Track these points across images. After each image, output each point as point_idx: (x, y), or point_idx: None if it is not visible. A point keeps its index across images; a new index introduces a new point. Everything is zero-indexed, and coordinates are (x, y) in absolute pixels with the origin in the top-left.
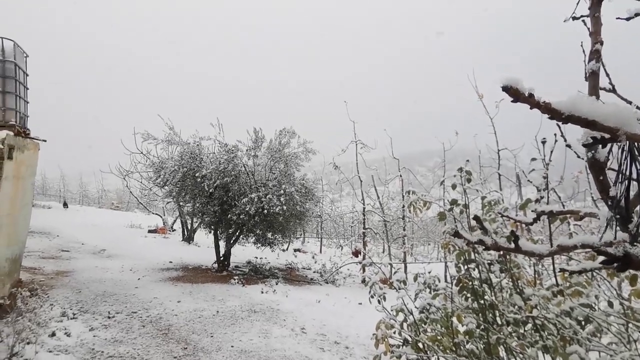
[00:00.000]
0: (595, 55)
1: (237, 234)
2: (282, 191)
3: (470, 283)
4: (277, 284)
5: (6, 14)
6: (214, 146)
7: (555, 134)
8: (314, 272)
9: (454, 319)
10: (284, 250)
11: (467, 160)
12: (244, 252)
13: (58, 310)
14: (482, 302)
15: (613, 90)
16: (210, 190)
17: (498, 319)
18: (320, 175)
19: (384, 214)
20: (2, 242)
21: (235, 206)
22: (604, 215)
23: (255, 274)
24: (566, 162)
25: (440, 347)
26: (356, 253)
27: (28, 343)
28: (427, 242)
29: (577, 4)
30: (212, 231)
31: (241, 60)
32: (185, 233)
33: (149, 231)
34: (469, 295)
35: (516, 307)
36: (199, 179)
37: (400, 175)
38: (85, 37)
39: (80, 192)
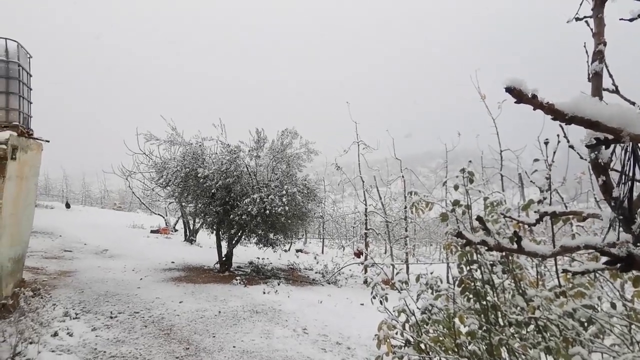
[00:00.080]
0: (599, 56)
1: (239, 234)
2: (284, 192)
3: (473, 284)
4: (279, 284)
5: (6, 14)
6: (217, 147)
7: (558, 135)
8: (316, 272)
9: (456, 320)
10: (286, 251)
11: (470, 161)
12: (246, 252)
13: (60, 310)
14: (484, 303)
15: (616, 91)
16: (213, 191)
17: (500, 320)
18: (322, 175)
19: (386, 215)
20: (5, 242)
21: (238, 207)
22: (607, 216)
23: (257, 274)
24: (569, 163)
25: (442, 348)
26: (358, 254)
27: (31, 343)
28: (430, 243)
29: (581, 4)
30: (214, 232)
31: (241, 60)
32: (188, 233)
33: (152, 231)
34: (471, 296)
35: (518, 308)
36: (201, 180)
37: (403, 176)
38: (85, 37)
39: (82, 193)
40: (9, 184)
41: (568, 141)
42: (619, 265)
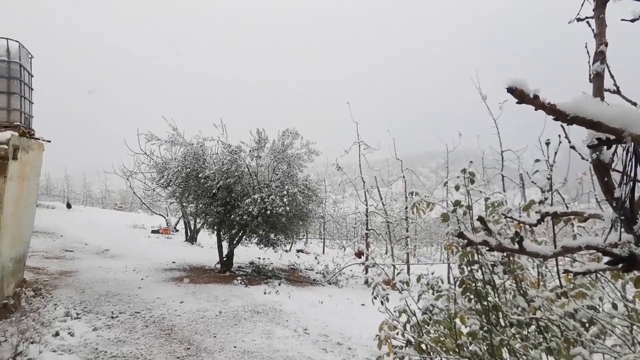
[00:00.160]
0: (600, 56)
1: (240, 234)
2: (285, 192)
3: (474, 284)
4: (279, 284)
5: (6, 14)
6: (217, 147)
7: (559, 136)
8: (317, 273)
9: (457, 321)
10: (286, 251)
11: (471, 162)
12: (247, 252)
13: (62, 310)
14: (485, 303)
15: (618, 91)
16: (214, 191)
17: (501, 320)
18: (323, 176)
19: (387, 215)
20: (6, 242)
21: (239, 207)
22: (609, 217)
23: (258, 274)
24: (570, 164)
25: (443, 349)
26: (359, 254)
27: (32, 342)
28: (430, 243)
29: (582, 5)
30: (215, 232)
31: (241, 60)
32: (189, 233)
33: (152, 231)
34: (472, 296)
35: (520, 308)
36: (202, 180)
37: (403, 177)
38: (85, 37)
39: (84, 193)
40: (10, 184)
41: (569, 142)
42: (620, 265)
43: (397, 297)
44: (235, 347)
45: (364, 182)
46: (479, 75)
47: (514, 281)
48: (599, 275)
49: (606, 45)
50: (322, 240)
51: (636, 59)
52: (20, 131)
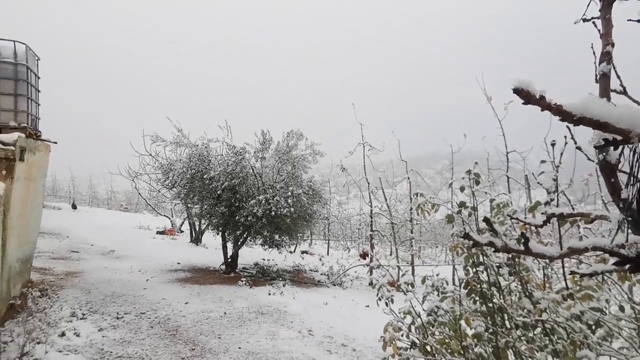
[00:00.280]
0: (606, 57)
1: (245, 235)
2: (289, 193)
3: (479, 286)
4: (284, 285)
5: (6, 14)
6: (222, 148)
7: (565, 136)
8: (321, 274)
9: (462, 322)
10: (291, 252)
11: (476, 163)
12: (252, 253)
13: (68, 310)
14: (490, 305)
15: (624, 92)
16: (218, 192)
17: (507, 322)
18: (327, 177)
19: (392, 217)
20: (13, 243)
21: (243, 208)
22: (616, 218)
23: (263, 275)
24: (576, 165)
25: (448, 350)
26: (363, 255)
27: (38, 343)
28: (435, 244)
29: (588, 5)
30: (220, 233)
31: (241, 60)
32: (193, 234)
33: (158, 232)
34: (477, 298)
35: (525, 310)
36: (207, 181)
37: (408, 178)
38: (85, 37)
39: (89, 194)
40: (17, 185)
41: (575, 142)
42: (628, 266)
43: (402, 299)
44: (239, 348)
45: (369, 183)
46: (480, 75)
47: (519, 283)
48: (605, 277)
49: (612, 45)
50: (327, 241)
51: (638, 59)
52: (27, 133)
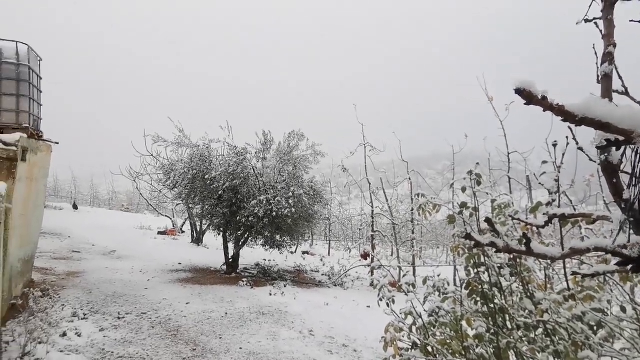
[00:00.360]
0: (608, 57)
1: (246, 236)
2: (290, 193)
3: (480, 286)
4: (285, 286)
5: (6, 14)
6: (224, 148)
7: (567, 137)
8: (322, 274)
9: (464, 323)
10: (292, 253)
11: (477, 163)
12: (253, 254)
13: (69, 310)
14: (492, 306)
15: (626, 92)
16: (220, 193)
17: (508, 323)
18: (328, 177)
19: (393, 217)
20: (15, 243)
21: (244, 208)
22: (617, 219)
23: (264, 276)
24: (578, 166)
25: (450, 351)
26: (365, 256)
27: (40, 343)
28: (436, 245)
29: (590, 6)
30: (221, 233)
31: (241, 60)
32: (195, 235)
33: (159, 233)
34: (478, 298)
35: (527, 311)
36: (208, 181)
37: (409, 178)
38: (85, 37)
39: (91, 194)
40: (19, 185)
41: (577, 143)
42: (630, 266)
43: (403, 299)
44: (241, 348)
45: (370, 183)
46: (480, 75)
47: (521, 283)
48: (607, 278)
49: (614, 46)
50: (328, 242)
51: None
52: (29, 133)
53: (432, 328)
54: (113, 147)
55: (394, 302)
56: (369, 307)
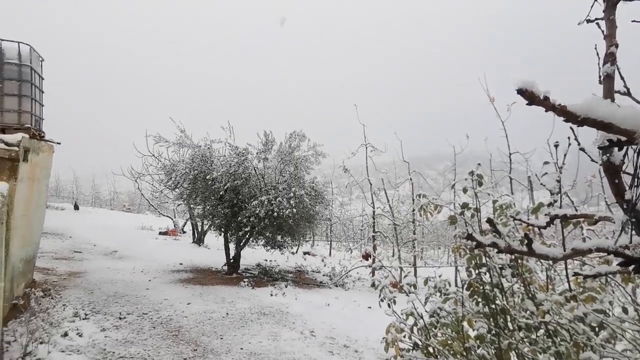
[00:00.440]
0: (610, 58)
1: (247, 236)
2: (292, 194)
3: (482, 287)
4: (286, 286)
5: (6, 14)
6: (225, 149)
7: (568, 138)
8: (324, 275)
9: (465, 324)
10: (293, 253)
11: (479, 164)
12: (254, 254)
13: (70, 310)
14: (493, 306)
15: (628, 93)
16: (221, 193)
17: (510, 324)
18: (329, 178)
19: (394, 218)
20: (16, 243)
21: (246, 209)
22: (619, 219)
23: (265, 276)
24: (579, 166)
25: (451, 352)
26: (366, 256)
27: (41, 343)
28: (438, 246)
29: (592, 6)
30: (222, 233)
31: (241, 60)
32: (196, 235)
33: (160, 233)
34: (479, 299)
35: (528, 312)
36: (209, 182)
37: (411, 179)
38: (85, 37)
39: (92, 194)
40: (20, 185)
41: (579, 144)
42: (632, 267)
43: (404, 300)
44: (242, 348)
45: (371, 184)
46: (480, 75)
47: (522, 284)
48: (608, 279)
49: (616, 46)
50: (329, 242)
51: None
52: (30, 133)
53: (433, 329)
54: (113, 147)
55: (395, 302)
56: (370, 307)
